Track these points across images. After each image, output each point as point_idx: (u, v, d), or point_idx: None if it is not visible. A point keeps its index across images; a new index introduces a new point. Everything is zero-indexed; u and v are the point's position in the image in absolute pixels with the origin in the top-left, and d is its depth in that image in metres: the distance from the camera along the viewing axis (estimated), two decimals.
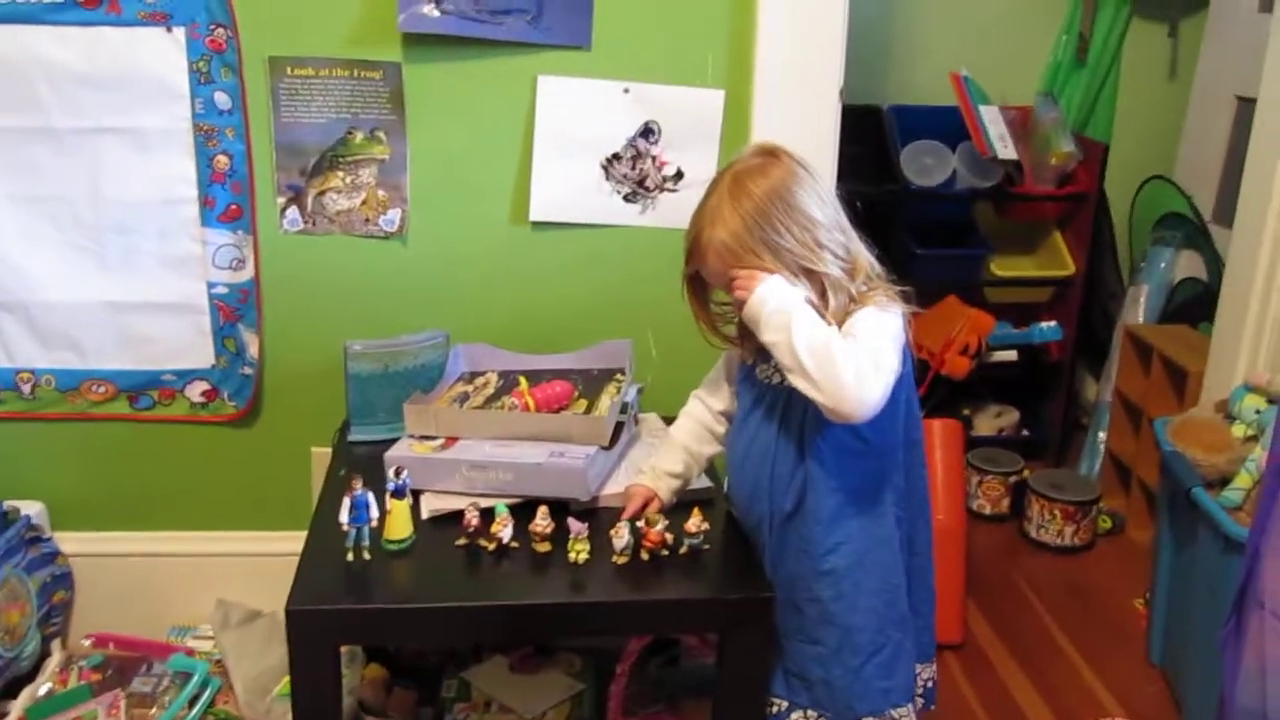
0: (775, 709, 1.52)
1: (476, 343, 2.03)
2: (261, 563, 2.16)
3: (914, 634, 1.55)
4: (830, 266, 1.39)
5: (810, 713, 1.50)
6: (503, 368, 2.00)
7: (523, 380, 1.91)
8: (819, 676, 1.47)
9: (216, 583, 2.20)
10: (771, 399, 1.50)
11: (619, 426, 1.77)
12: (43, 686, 2.02)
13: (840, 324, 1.40)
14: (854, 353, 1.33)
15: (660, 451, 1.67)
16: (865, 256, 1.45)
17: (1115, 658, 2.38)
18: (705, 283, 1.51)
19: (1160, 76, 3.44)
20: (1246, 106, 2.92)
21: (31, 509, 2.11)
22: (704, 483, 1.72)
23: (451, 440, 1.75)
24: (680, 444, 1.64)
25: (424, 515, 1.62)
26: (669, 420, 1.75)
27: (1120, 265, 3.43)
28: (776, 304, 1.36)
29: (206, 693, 1.98)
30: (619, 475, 1.73)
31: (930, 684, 1.61)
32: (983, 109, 3.07)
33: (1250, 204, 2.40)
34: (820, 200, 1.41)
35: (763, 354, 1.50)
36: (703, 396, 1.66)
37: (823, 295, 1.39)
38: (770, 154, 1.43)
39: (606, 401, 1.84)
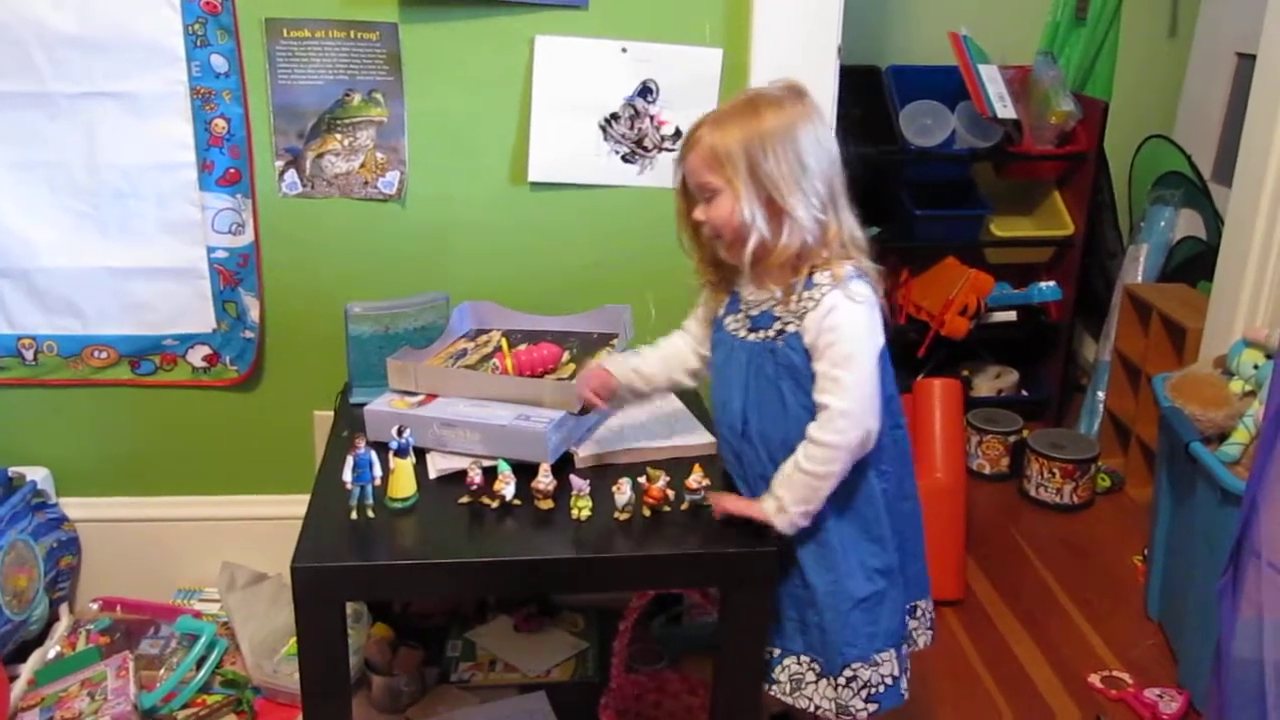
0: (767, 656, 1.54)
1: (485, 301, 2.04)
2: (265, 526, 2.18)
3: (915, 573, 1.58)
4: (799, 209, 1.39)
5: (803, 658, 1.52)
6: (508, 327, 2.01)
7: (504, 342, 1.92)
8: (814, 621, 1.49)
9: (221, 546, 2.22)
10: (740, 354, 1.49)
11: None
12: (51, 649, 2.04)
13: (793, 270, 1.42)
14: (833, 441, 1.40)
15: (642, 352, 1.68)
16: (849, 225, 1.45)
17: (1113, 613, 2.40)
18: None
19: (1160, 34, 3.41)
20: (1247, 63, 2.90)
21: (37, 475, 2.13)
22: (705, 439, 1.73)
23: (431, 397, 1.76)
24: (661, 355, 1.65)
25: (431, 475, 1.64)
26: None
27: (1120, 225, 3.43)
28: (791, 519, 1.44)
29: (214, 654, 2.01)
30: (603, 437, 1.75)
31: (931, 615, 1.65)
32: (982, 68, 3.05)
33: (1250, 160, 2.40)
34: (819, 149, 1.41)
35: (732, 304, 1.51)
36: (690, 328, 1.65)
37: (778, 231, 1.40)
38: (797, 94, 1.44)
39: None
